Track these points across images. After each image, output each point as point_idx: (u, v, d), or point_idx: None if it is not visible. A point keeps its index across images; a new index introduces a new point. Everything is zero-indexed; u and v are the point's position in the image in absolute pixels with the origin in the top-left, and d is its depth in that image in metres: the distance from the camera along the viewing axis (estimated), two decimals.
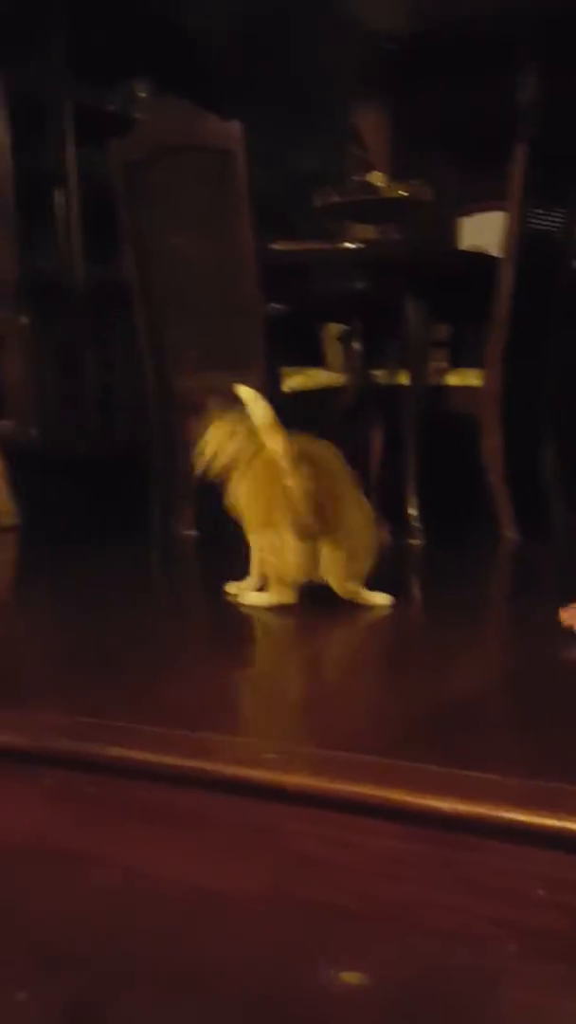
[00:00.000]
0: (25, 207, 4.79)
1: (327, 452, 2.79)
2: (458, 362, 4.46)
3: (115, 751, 1.79)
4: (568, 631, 2.42)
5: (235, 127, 3.37)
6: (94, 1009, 1.34)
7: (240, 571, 2.87)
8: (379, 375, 4.05)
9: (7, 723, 1.93)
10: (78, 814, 1.81)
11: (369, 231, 4.67)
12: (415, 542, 3.73)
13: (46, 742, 1.86)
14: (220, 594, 2.90)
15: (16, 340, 4.65)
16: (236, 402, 2.71)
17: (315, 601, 2.76)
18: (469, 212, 5.25)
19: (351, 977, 1.37)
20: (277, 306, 3.89)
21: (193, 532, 4.02)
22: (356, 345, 4.06)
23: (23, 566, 4.01)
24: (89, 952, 1.48)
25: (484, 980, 1.37)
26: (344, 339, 4.45)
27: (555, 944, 1.40)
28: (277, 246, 3.73)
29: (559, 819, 1.41)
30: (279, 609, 2.74)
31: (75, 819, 1.82)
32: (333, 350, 4.77)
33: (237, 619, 2.77)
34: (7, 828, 1.84)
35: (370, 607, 2.72)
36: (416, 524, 3.77)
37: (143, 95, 5.50)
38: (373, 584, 2.76)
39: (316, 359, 4.53)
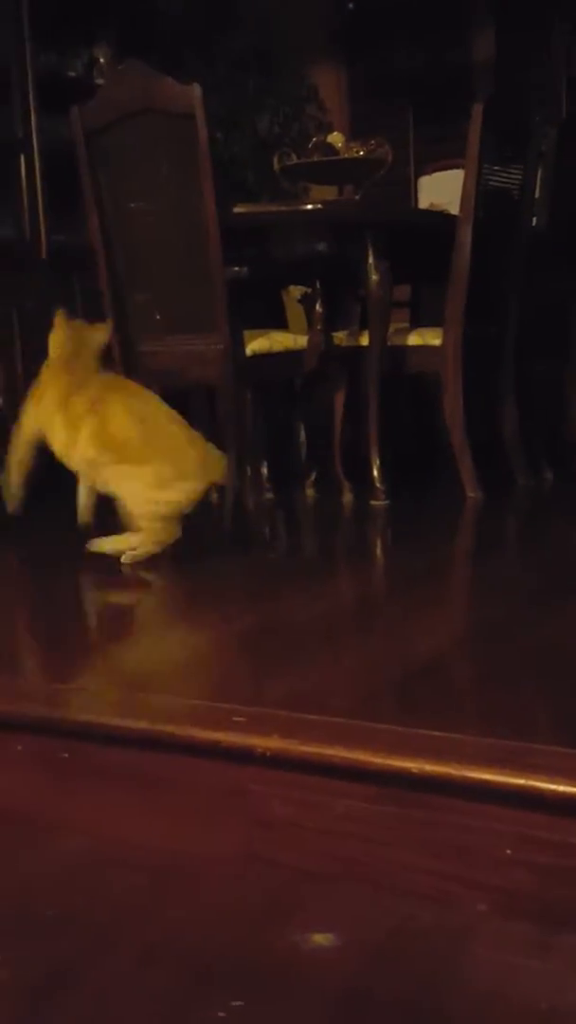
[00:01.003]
0: None
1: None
2: (419, 322, 4.47)
3: (87, 716, 1.81)
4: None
5: (194, 90, 3.36)
6: (70, 974, 1.36)
7: None
8: (340, 336, 4.06)
9: None
10: (50, 779, 1.83)
11: (329, 192, 4.66)
12: (378, 502, 3.75)
13: (19, 707, 1.87)
14: (183, 560, 2.91)
15: None
16: None
17: (269, 566, 2.78)
18: (428, 171, 5.23)
19: (322, 938, 1.40)
20: (238, 269, 3.88)
21: None
22: (317, 307, 4.06)
23: None
24: (63, 916, 1.50)
25: (454, 940, 1.39)
26: (305, 301, 4.45)
27: (523, 903, 1.42)
28: (237, 208, 3.72)
29: (525, 778, 1.44)
30: (238, 574, 2.74)
31: (47, 784, 1.83)
32: (295, 312, 4.77)
33: (193, 584, 2.78)
34: None
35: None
36: (379, 484, 3.78)
37: (104, 60, 5.45)
38: (334, 544, 2.78)
39: (278, 321, 4.53)
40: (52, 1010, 1.30)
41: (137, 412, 2.92)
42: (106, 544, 2.89)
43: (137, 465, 2.82)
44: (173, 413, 2.94)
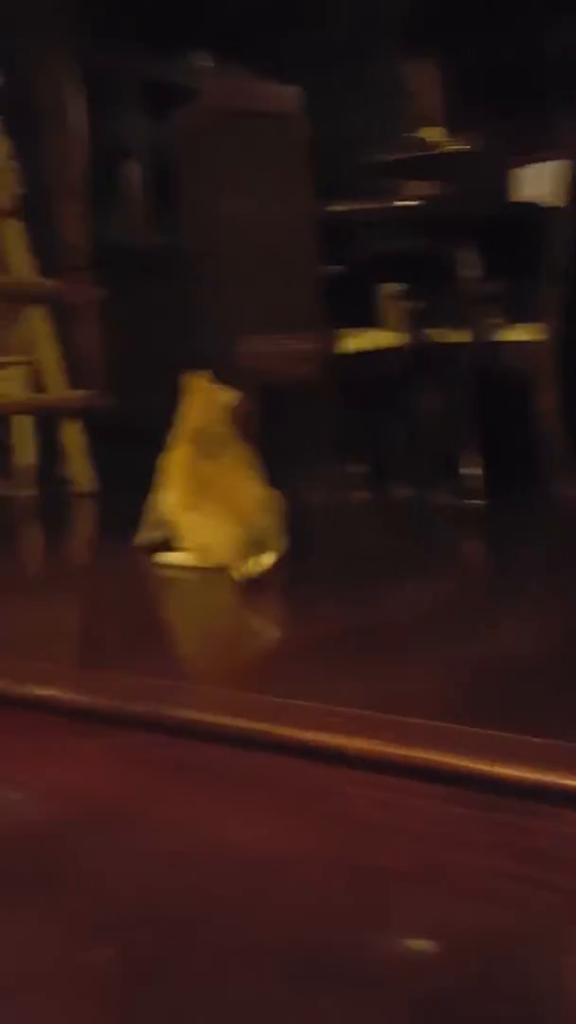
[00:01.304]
0: (94, 179, 4.86)
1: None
2: (515, 318, 4.43)
3: (185, 713, 1.82)
4: None
5: (293, 92, 3.39)
6: (155, 974, 1.37)
7: None
8: (435, 334, 4.04)
9: (83, 685, 1.97)
10: (142, 776, 1.84)
11: (423, 187, 4.63)
12: (472, 502, 3.73)
13: (120, 703, 1.89)
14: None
15: (90, 310, 4.69)
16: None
17: (351, 568, 2.77)
18: (523, 163, 5.18)
19: (418, 943, 1.39)
20: (333, 267, 3.89)
21: None
22: (412, 304, 4.04)
23: (101, 532, 4.06)
24: (153, 914, 1.51)
25: (551, 950, 1.38)
26: (400, 298, 4.44)
27: None
28: (332, 207, 3.73)
29: None
30: (329, 574, 2.74)
31: (139, 780, 1.85)
32: (389, 310, 4.76)
33: (286, 584, 2.78)
34: (78, 788, 1.87)
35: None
36: (473, 484, 3.76)
37: (204, 65, 5.50)
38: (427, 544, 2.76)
39: (373, 319, 4.52)
40: (137, 1011, 1.31)
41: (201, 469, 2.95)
42: (172, 558, 2.91)
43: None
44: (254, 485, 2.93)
